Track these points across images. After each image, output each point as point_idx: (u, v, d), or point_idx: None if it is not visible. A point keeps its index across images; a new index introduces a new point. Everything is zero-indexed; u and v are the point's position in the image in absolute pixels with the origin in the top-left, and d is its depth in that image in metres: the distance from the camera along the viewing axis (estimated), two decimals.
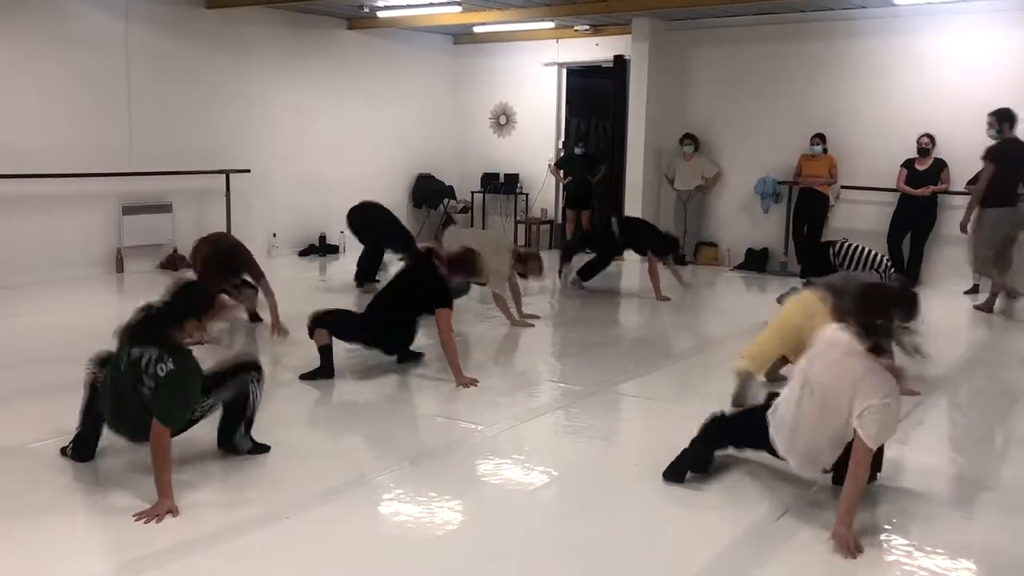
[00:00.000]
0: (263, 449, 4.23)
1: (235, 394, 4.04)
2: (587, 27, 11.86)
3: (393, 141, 12.42)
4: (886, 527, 3.60)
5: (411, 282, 5.89)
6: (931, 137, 9.58)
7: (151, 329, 3.76)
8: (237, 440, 4.15)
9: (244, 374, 4.08)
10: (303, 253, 11.33)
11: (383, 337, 5.85)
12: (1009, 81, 9.35)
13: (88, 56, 9.17)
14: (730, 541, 3.45)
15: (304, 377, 5.58)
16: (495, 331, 7.27)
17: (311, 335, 5.65)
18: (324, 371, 5.62)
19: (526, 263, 7.57)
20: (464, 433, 4.68)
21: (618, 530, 3.55)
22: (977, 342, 7.62)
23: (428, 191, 12.81)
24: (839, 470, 3.67)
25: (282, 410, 4.98)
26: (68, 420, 4.14)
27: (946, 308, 8.85)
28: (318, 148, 11.55)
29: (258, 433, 4.22)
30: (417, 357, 6.10)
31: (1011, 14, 9.33)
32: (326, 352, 5.64)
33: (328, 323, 5.67)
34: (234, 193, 10.29)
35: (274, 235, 10.99)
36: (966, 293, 9.27)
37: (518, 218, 12.85)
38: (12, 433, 4.47)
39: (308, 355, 5.75)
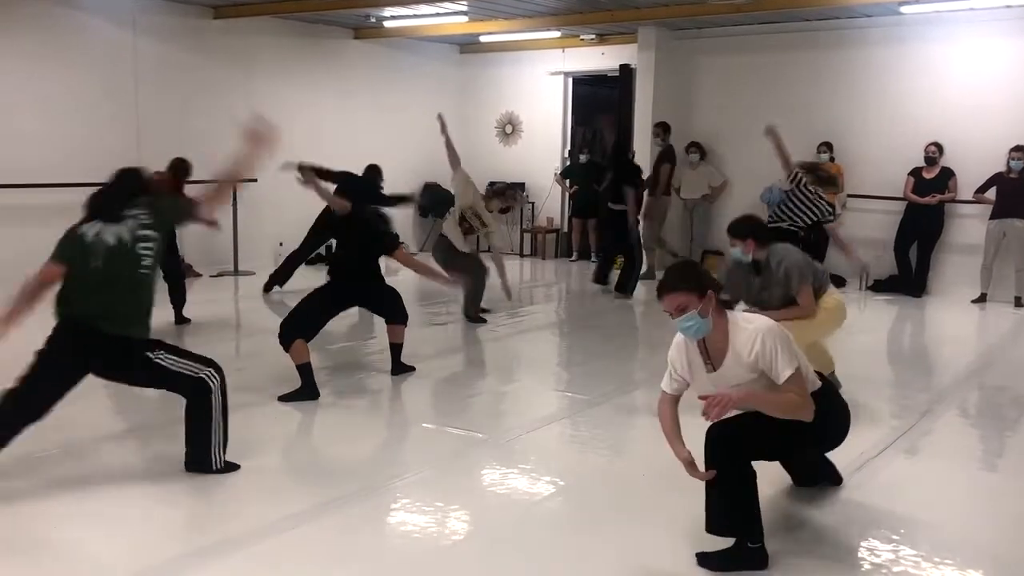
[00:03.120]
0: (233, 467, 4.04)
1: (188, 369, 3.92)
2: (593, 36, 11.88)
3: (399, 150, 12.41)
4: (894, 537, 3.58)
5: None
6: (938, 146, 9.57)
7: (115, 205, 3.93)
8: (213, 456, 4.00)
9: (204, 366, 3.96)
10: (309, 262, 11.32)
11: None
12: (1016, 89, 9.34)
13: (97, 67, 9.21)
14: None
15: (284, 399, 5.23)
16: (500, 340, 7.26)
17: (286, 349, 5.28)
18: (307, 391, 5.25)
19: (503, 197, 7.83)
20: (470, 443, 4.67)
21: (622, 542, 3.54)
22: (985, 351, 7.58)
23: (434, 200, 12.79)
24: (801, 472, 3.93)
25: (284, 422, 4.98)
26: (71, 428, 4.13)
27: (953, 317, 8.83)
28: (324, 157, 11.46)
29: (263, 447, 4.21)
30: (410, 370, 6.02)
31: (1018, 22, 9.31)
32: (306, 370, 5.27)
33: (298, 326, 5.35)
34: (241, 202, 10.30)
35: (280, 244, 11.00)
36: (974, 302, 9.24)
37: (524, 227, 12.86)
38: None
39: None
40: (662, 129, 10.76)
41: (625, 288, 9.40)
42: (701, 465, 3.32)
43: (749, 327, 3.30)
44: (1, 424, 3.79)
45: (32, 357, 3.81)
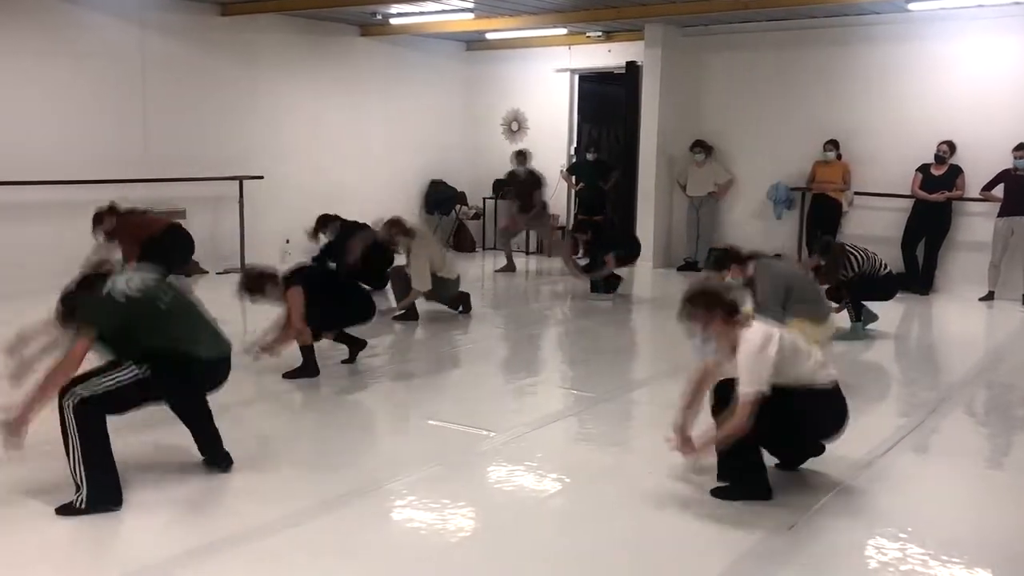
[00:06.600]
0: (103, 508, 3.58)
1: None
2: (599, 33, 11.85)
3: (405, 147, 12.43)
4: (901, 535, 3.57)
5: None
6: (950, 145, 9.50)
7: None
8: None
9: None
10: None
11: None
12: None
13: (104, 65, 9.23)
14: (742, 552, 3.42)
15: (288, 376, 5.61)
16: (505, 338, 7.26)
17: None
18: (309, 369, 5.69)
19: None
20: (476, 440, 4.67)
21: (630, 539, 3.54)
22: (993, 349, 7.56)
23: (440, 197, 12.81)
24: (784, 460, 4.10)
25: (289, 419, 4.99)
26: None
27: (961, 315, 8.81)
28: (331, 155, 11.57)
29: (269, 444, 4.21)
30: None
31: None
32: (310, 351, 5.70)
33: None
34: (248, 200, 10.32)
35: (287, 241, 11.01)
36: (981, 299, 9.20)
37: None
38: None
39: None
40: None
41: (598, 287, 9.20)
42: None
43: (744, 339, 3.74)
44: None
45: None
